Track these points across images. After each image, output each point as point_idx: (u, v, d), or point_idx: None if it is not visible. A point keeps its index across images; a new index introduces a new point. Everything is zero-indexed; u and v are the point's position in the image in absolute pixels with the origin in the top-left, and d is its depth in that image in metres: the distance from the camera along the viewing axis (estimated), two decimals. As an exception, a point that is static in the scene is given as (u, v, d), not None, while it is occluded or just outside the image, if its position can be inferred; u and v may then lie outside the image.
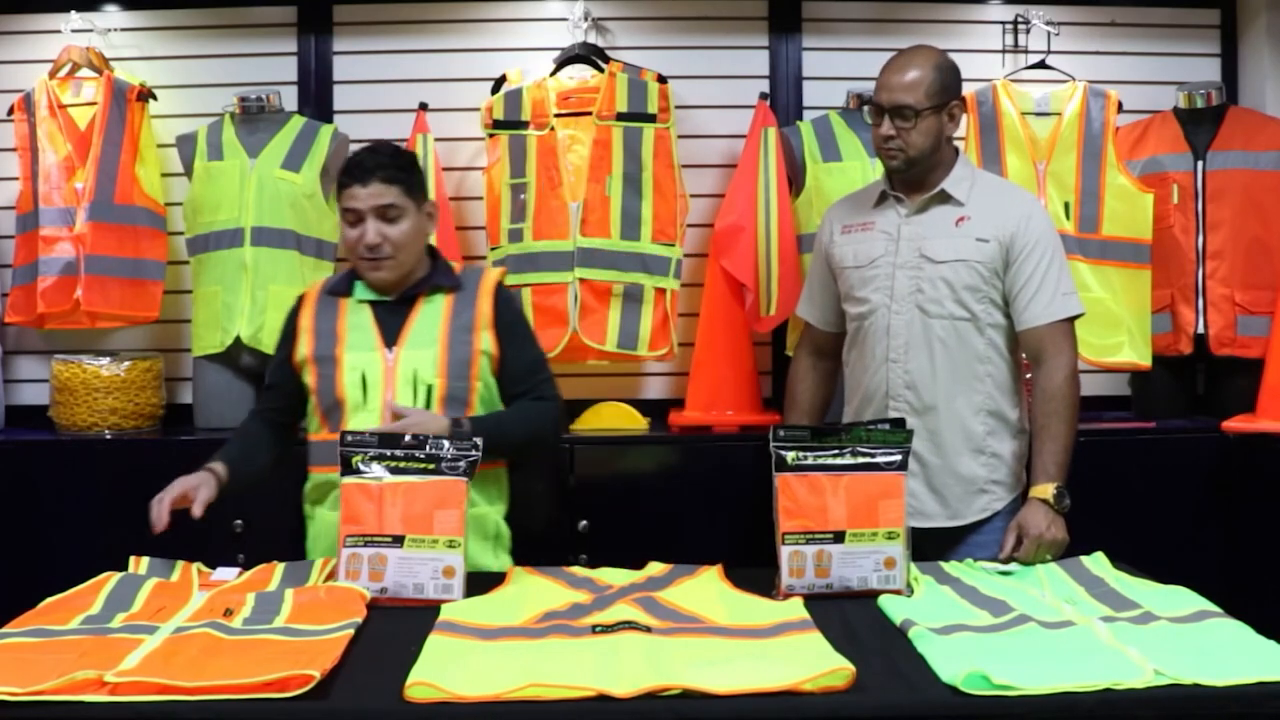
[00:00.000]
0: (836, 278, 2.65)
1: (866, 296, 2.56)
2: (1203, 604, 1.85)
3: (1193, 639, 1.70)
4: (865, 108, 2.55)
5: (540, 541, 2.50)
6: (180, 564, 2.14)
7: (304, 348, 2.39)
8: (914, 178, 2.52)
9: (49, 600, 1.92)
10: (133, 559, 2.14)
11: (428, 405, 2.32)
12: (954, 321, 2.48)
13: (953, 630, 1.74)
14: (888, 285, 2.52)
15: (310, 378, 2.37)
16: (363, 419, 2.31)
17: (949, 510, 2.50)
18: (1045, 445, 2.38)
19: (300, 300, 2.47)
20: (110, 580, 2.02)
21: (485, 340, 2.37)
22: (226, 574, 2.11)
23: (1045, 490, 2.31)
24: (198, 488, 2.19)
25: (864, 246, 2.58)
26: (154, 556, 2.15)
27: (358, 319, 2.38)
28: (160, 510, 2.13)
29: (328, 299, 2.43)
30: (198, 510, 2.17)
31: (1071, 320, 2.48)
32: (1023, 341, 2.50)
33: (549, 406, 2.42)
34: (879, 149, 2.52)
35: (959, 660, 1.58)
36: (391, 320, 2.37)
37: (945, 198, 2.52)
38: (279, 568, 2.13)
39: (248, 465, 2.37)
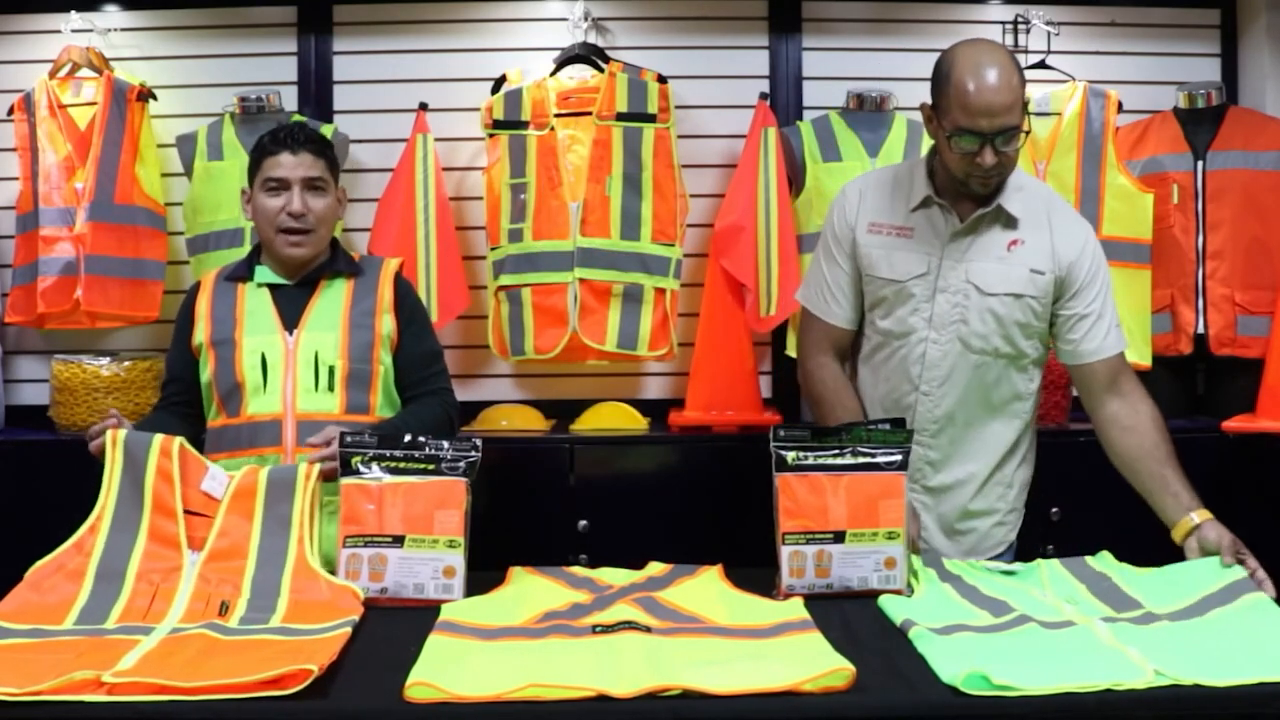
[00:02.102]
0: (863, 277, 2.38)
1: (903, 318, 2.32)
2: (1219, 579, 1.84)
3: (1194, 638, 1.69)
4: (952, 138, 2.16)
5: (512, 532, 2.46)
6: (157, 438, 2.05)
7: (201, 333, 2.39)
8: (985, 192, 2.25)
9: (40, 563, 1.90)
10: (109, 433, 2.06)
11: (330, 387, 2.33)
12: (998, 359, 2.29)
13: (953, 630, 1.74)
14: (927, 309, 2.29)
15: (208, 362, 2.37)
16: (262, 403, 2.33)
17: (961, 549, 2.37)
18: (1179, 475, 2.19)
19: (196, 287, 2.46)
20: (102, 523, 1.97)
21: (387, 324, 2.40)
22: (216, 485, 2.04)
23: (1203, 515, 2.11)
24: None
25: (901, 258, 2.30)
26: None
27: (256, 303, 2.39)
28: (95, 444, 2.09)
29: (225, 285, 2.43)
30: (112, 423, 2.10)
31: (1123, 353, 2.32)
32: (1083, 374, 2.30)
33: (439, 403, 2.44)
34: (969, 179, 2.20)
35: (959, 660, 1.58)
36: (291, 305, 2.38)
37: (1000, 214, 2.27)
38: (261, 479, 2.04)
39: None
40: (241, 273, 2.43)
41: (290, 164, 2.35)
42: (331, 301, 2.39)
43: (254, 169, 2.40)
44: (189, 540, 1.99)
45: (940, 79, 2.20)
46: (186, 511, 2.01)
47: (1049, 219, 2.30)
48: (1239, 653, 1.62)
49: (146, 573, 1.93)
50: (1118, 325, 2.32)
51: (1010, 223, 2.28)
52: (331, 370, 2.34)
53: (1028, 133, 2.19)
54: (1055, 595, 1.94)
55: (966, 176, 2.21)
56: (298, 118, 3.52)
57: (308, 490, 2.05)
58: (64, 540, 1.97)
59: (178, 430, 2.30)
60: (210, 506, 2.02)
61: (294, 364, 2.34)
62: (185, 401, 2.45)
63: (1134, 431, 2.24)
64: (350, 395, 2.35)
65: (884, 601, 1.91)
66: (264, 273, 2.41)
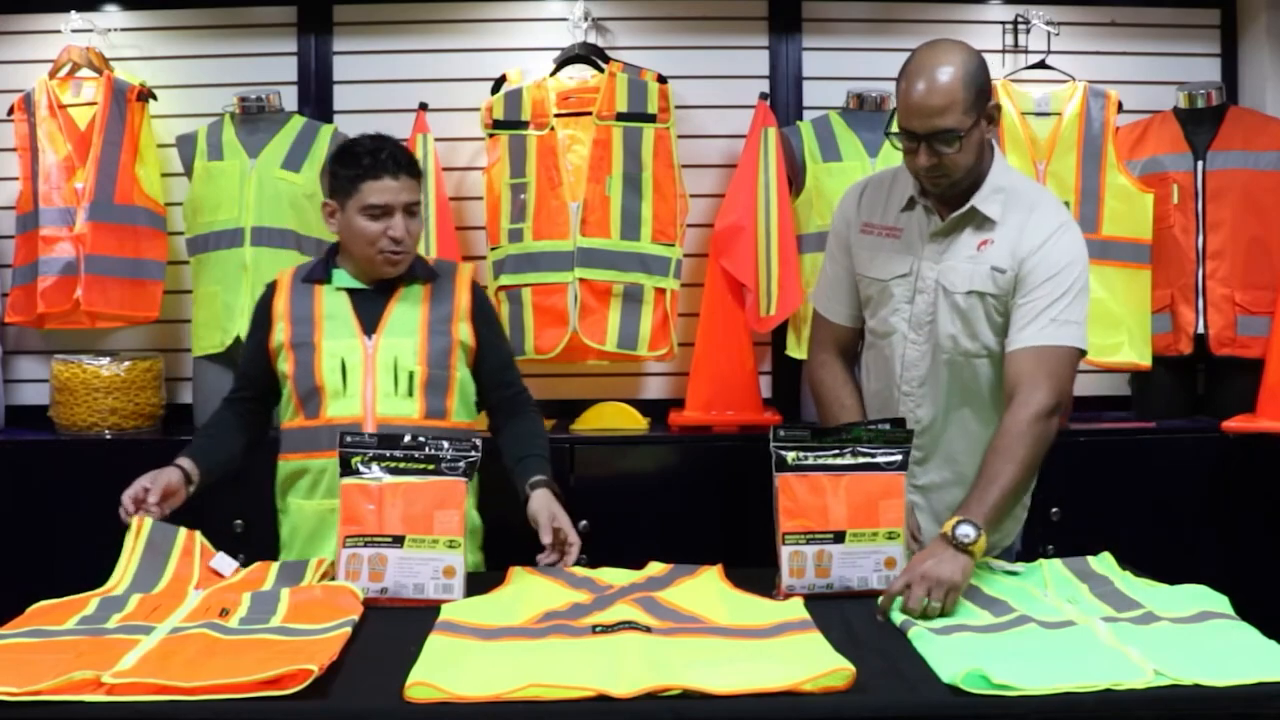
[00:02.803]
0: (857, 276, 2.39)
1: (885, 318, 2.33)
2: (1211, 603, 1.84)
3: (1194, 639, 1.69)
4: (893, 135, 2.18)
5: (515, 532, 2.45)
6: (182, 531, 2.12)
7: (280, 334, 2.39)
8: (953, 193, 2.23)
9: (38, 605, 1.90)
10: (135, 519, 2.11)
11: (409, 392, 2.34)
12: (970, 359, 2.26)
13: (953, 630, 1.74)
14: (906, 310, 2.29)
15: (287, 364, 2.38)
16: (342, 406, 2.33)
17: None
18: (978, 481, 2.05)
19: (273, 286, 2.46)
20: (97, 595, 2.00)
21: (464, 331, 2.41)
22: (225, 565, 2.10)
23: (948, 525, 1.95)
24: (155, 478, 2.20)
25: (885, 258, 2.31)
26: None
27: (335, 306, 2.39)
28: (124, 504, 2.15)
29: (302, 286, 2.42)
30: (154, 499, 2.16)
31: (1062, 352, 2.15)
32: (1007, 367, 2.18)
33: (536, 413, 2.50)
34: (919, 177, 2.21)
35: (959, 660, 1.58)
36: (369, 309, 2.38)
37: (974, 215, 2.24)
38: (273, 567, 2.13)
39: (217, 456, 2.37)
40: (319, 274, 2.42)
41: (394, 189, 2.32)
42: (409, 307, 2.39)
43: (349, 187, 2.33)
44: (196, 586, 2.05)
45: (898, 78, 2.20)
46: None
47: (1024, 219, 2.23)
48: (1240, 653, 1.62)
49: (150, 597, 1.95)
50: (1060, 324, 2.15)
51: (985, 224, 2.23)
52: (411, 375, 2.35)
53: (962, 136, 2.11)
54: (1057, 595, 1.94)
55: (917, 175, 2.21)
56: (298, 118, 3.52)
57: (317, 573, 2.10)
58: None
59: (236, 428, 2.43)
60: (215, 582, 2.07)
61: (373, 368, 2.34)
62: (253, 398, 2.47)
63: (996, 433, 2.12)
64: (428, 400, 2.36)
65: (890, 609, 1.89)
66: (342, 276, 2.41)
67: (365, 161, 2.33)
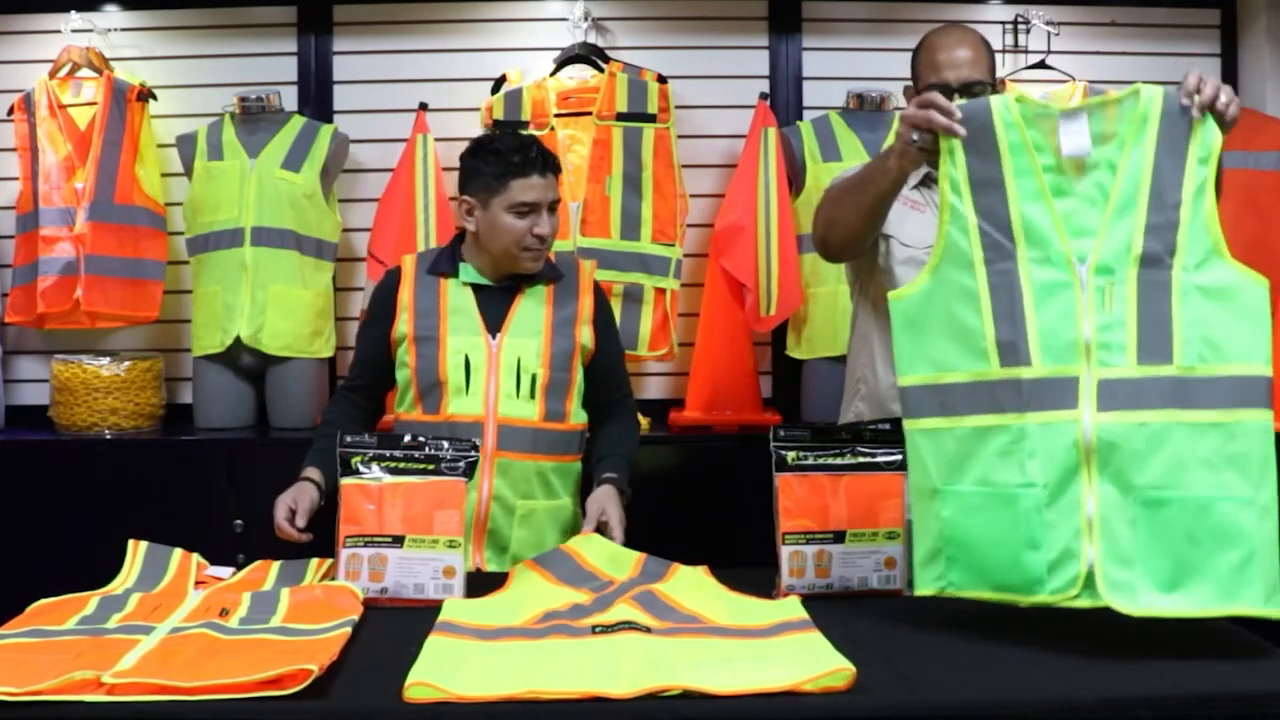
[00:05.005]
0: (881, 235, 2.36)
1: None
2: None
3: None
4: (924, 93, 2.19)
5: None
6: (178, 552, 2.13)
7: (405, 325, 2.38)
8: None
9: (39, 603, 1.91)
10: (131, 543, 2.12)
11: (531, 394, 2.35)
12: None
13: (948, 415, 1.76)
14: None
15: (409, 356, 2.37)
16: (464, 404, 2.34)
17: None
18: None
19: (397, 275, 2.43)
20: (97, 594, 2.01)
21: (585, 334, 2.42)
22: (221, 571, 2.11)
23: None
24: (297, 499, 2.22)
25: (913, 227, 2.35)
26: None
27: (460, 301, 2.38)
28: (286, 533, 2.19)
29: (427, 278, 2.41)
30: (301, 524, 2.20)
31: None
32: None
33: (635, 417, 2.56)
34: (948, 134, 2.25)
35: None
36: (494, 306, 2.38)
37: None
38: (274, 567, 2.13)
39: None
40: (444, 267, 2.41)
41: (541, 187, 2.32)
42: (534, 307, 2.39)
43: (496, 184, 2.33)
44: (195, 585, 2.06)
45: (915, 56, 2.39)
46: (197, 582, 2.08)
47: None
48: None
49: (150, 596, 1.95)
50: None
51: None
52: (534, 378, 2.35)
53: (991, 88, 2.26)
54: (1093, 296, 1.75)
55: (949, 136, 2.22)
56: (298, 118, 3.52)
57: (318, 573, 2.10)
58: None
59: (356, 426, 2.35)
60: (215, 582, 2.08)
61: (496, 368, 2.34)
62: (368, 386, 2.47)
63: None
64: (549, 403, 2.37)
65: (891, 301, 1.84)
66: (469, 271, 2.40)
67: (515, 159, 2.32)
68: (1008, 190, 1.76)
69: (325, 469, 2.27)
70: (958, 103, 1.85)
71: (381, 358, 2.43)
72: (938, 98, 1.84)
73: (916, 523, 1.82)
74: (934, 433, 1.79)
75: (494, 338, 2.36)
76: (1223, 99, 1.77)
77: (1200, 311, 1.69)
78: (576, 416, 2.43)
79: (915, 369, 1.81)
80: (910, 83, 2.42)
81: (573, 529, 2.41)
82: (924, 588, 1.80)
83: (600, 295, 2.49)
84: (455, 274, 2.40)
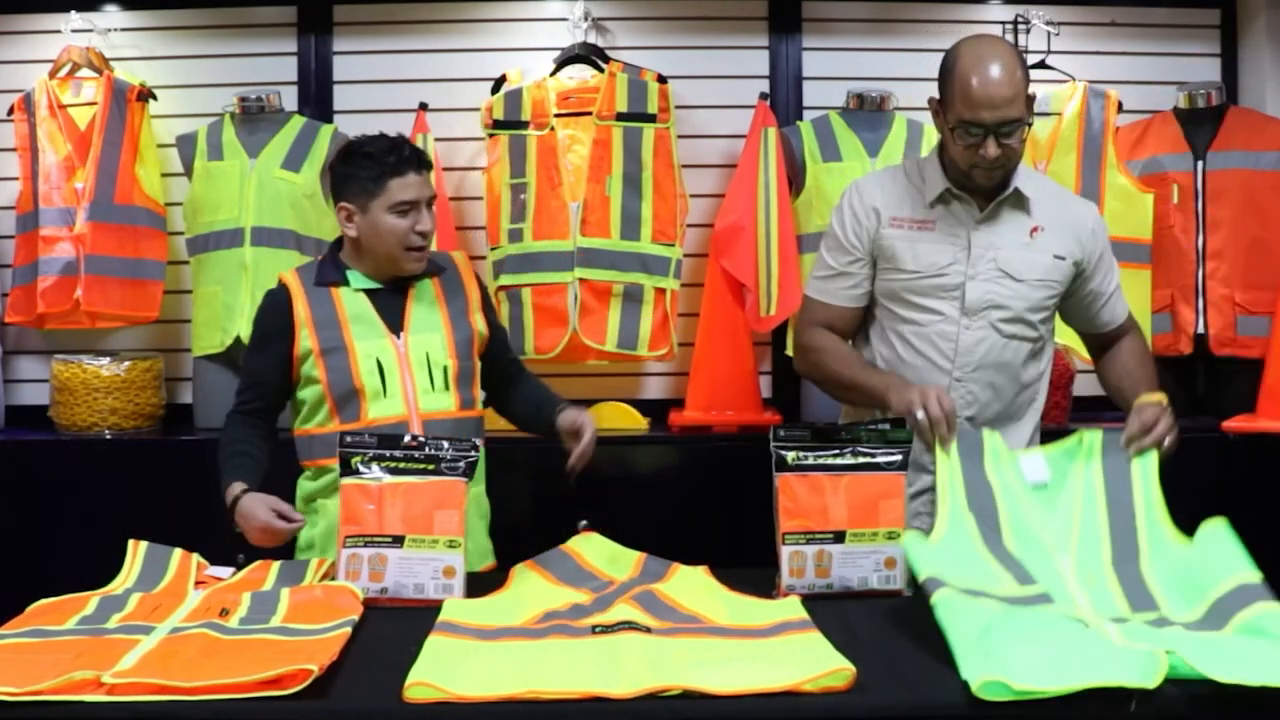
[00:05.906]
0: (880, 269, 2.36)
1: (932, 306, 2.31)
2: (1232, 574, 1.84)
3: (1204, 640, 1.67)
4: (956, 131, 2.20)
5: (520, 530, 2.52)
6: (178, 552, 2.13)
7: (307, 340, 2.36)
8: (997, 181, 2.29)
9: (39, 603, 1.91)
10: (131, 543, 2.13)
11: (446, 386, 2.38)
12: (1024, 343, 2.33)
13: (976, 595, 1.71)
14: (957, 296, 2.30)
15: (318, 370, 2.36)
16: (385, 406, 2.34)
17: None
18: (1148, 373, 2.36)
19: (285, 293, 2.40)
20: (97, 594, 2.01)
21: (479, 322, 2.47)
22: (221, 571, 2.11)
23: (1157, 395, 2.23)
24: (263, 502, 2.22)
25: (926, 249, 2.31)
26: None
27: (357, 308, 2.39)
28: (284, 528, 2.20)
29: (317, 290, 2.40)
30: (289, 511, 2.22)
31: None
32: (1098, 340, 2.47)
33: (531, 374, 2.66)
34: (974, 170, 2.23)
35: (979, 657, 1.55)
36: (390, 307, 2.40)
37: (1018, 199, 2.30)
38: (274, 567, 2.13)
39: (261, 472, 2.34)
40: (332, 277, 2.40)
41: (418, 184, 2.35)
42: (428, 303, 2.42)
43: (373, 187, 2.33)
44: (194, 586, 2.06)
45: (945, 73, 2.24)
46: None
47: (1061, 207, 2.38)
48: (1250, 656, 1.60)
49: (150, 596, 1.95)
50: (1120, 289, 2.47)
51: (1025, 206, 2.32)
52: (445, 370, 2.39)
53: (1029, 125, 2.22)
54: (1078, 576, 1.88)
55: (971, 168, 2.23)
56: (298, 118, 3.53)
57: (318, 573, 2.10)
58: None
59: (262, 443, 2.39)
60: (215, 582, 2.08)
61: (409, 366, 2.36)
62: (265, 409, 2.43)
63: (1133, 352, 2.43)
64: (461, 392, 2.41)
65: (909, 546, 1.86)
66: (358, 277, 2.41)
67: (390, 159, 2.33)
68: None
69: (250, 483, 2.27)
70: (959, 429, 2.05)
71: (280, 378, 2.40)
72: (946, 419, 2.03)
73: None
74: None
75: (399, 337, 2.37)
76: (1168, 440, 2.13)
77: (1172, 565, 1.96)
78: (480, 403, 2.49)
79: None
80: (938, 97, 2.27)
81: (488, 515, 2.53)
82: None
83: (480, 281, 2.55)
84: (345, 282, 2.40)
